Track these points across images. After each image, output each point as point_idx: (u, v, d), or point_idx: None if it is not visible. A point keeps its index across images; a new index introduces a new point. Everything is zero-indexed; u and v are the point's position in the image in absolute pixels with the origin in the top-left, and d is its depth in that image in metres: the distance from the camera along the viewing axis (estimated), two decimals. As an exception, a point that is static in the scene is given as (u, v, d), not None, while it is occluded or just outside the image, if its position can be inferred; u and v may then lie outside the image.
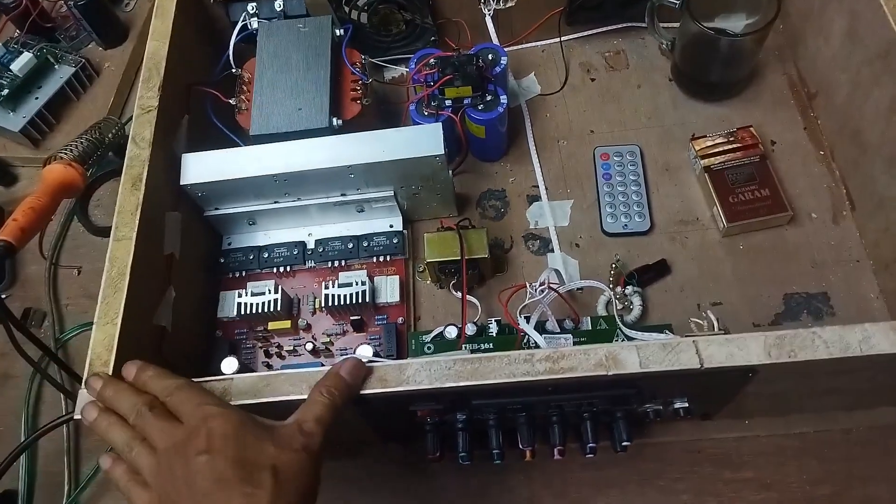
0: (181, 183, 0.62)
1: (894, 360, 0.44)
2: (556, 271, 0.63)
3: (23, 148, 0.81)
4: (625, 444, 0.52)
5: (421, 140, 0.61)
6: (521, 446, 0.53)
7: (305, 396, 0.45)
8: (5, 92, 0.78)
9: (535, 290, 0.59)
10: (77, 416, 0.47)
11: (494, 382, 0.45)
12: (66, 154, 0.64)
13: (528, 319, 0.58)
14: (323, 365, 0.64)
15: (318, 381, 0.45)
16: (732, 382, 0.49)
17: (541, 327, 0.60)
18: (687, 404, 0.52)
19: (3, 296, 0.74)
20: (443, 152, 0.61)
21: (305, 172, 0.62)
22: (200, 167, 0.62)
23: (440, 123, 0.62)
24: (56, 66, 0.82)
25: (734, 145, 0.69)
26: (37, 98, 0.80)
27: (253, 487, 0.38)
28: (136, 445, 0.42)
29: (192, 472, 0.39)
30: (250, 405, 0.46)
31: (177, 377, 0.45)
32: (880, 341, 0.43)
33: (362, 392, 0.46)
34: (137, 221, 0.55)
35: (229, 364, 0.57)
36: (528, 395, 0.49)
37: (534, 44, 0.81)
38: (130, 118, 0.61)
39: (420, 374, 0.46)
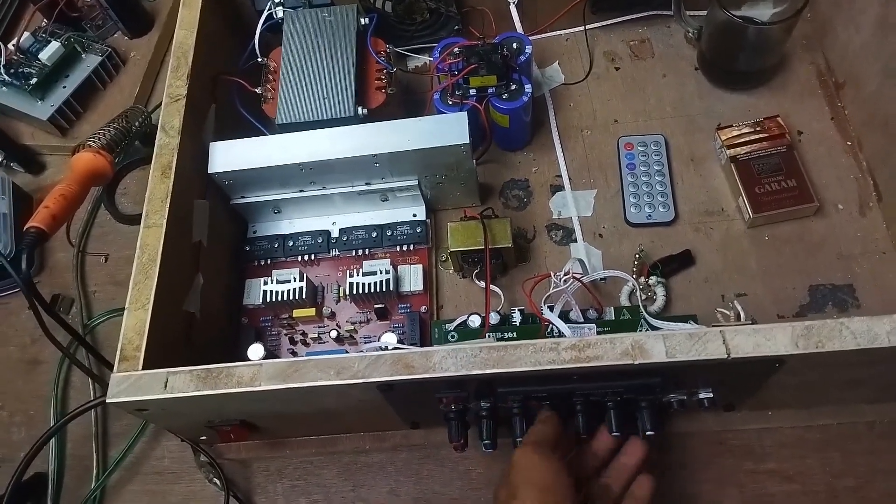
0: (209, 171, 0.63)
1: (923, 352, 0.44)
2: (580, 261, 0.63)
3: (51, 136, 0.82)
4: (648, 433, 0.52)
5: (445, 129, 0.61)
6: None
7: (334, 382, 0.46)
8: (34, 81, 0.79)
9: (560, 279, 0.59)
10: (109, 400, 0.48)
11: (520, 370, 0.45)
12: (94, 142, 0.65)
13: (551, 309, 0.59)
14: (347, 353, 0.64)
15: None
16: (758, 373, 0.49)
17: (564, 317, 0.60)
18: (711, 395, 0.52)
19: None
20: (468, 141, 0.61)
21: (330, 161, 0.62)
22: (228, 156, 0.63)
23: (465, 113, 0.62)
24: (83, 56, 0.83)
25: (761, 135, 0.68)
26: (64, 87, 0.81)
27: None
28: None
29: None
30: (278, 390, 0.47)
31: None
32: (909, 332, 0.43)
33: (387, 378, 0.46)
34: (167, 209, 0.56)
35: (255, 350, 0.58)
36: (552, 384, 0.49)
37: (558, 32, 0.81)
38: (157, 107, 0.61)
39: (447, 360, 0.46)
